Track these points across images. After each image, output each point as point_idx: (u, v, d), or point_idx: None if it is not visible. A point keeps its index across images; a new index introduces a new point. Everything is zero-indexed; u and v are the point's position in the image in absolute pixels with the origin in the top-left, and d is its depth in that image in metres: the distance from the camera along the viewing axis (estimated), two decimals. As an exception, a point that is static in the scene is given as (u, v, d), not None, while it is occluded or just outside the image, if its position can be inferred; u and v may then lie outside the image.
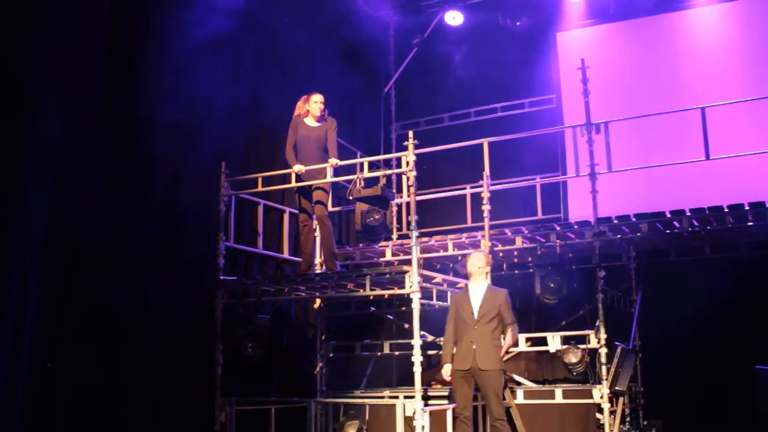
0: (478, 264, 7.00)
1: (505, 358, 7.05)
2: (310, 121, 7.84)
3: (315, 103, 7.80)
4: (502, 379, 6.89)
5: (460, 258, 8.63)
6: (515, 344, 6.89)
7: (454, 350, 6.91)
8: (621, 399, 8.01)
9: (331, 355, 9.05)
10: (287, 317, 9.02)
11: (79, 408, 6.40)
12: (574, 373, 8.00)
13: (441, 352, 8.74)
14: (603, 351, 7.69)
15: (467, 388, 6.79)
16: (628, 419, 8.50)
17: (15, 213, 6.01)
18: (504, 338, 6.84)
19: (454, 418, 6.96)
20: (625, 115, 9.11)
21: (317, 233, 8.29)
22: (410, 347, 6.89)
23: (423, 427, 6.57)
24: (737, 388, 8.17)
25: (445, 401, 7.72)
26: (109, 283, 6.86)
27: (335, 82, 7.94)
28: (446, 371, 6.89)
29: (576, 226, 8.45)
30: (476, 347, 6.70)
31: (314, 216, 7.86)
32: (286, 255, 9.06)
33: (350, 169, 8.68)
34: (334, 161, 7.63)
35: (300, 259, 8.21)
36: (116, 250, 6.96)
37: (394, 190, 10.55)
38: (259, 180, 8.04)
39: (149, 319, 7.21)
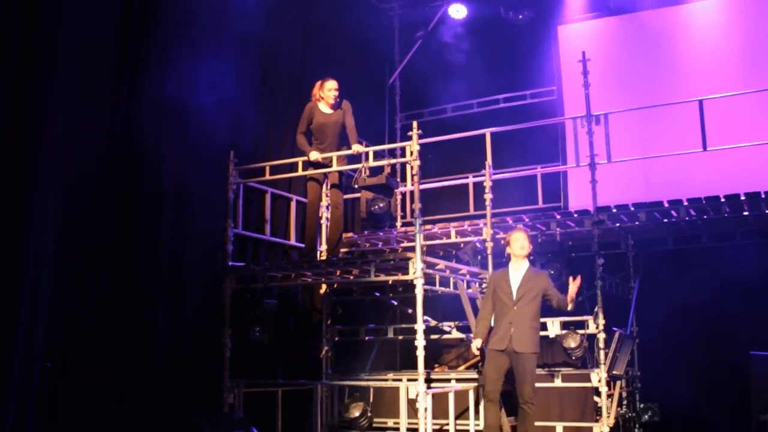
0: (521, 245, 6.88)
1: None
2: (325, 107, 7.80)
3: (329, 91, 7.75)
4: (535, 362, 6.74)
5: (462, 245, 8.71)
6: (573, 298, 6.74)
7: (492, 329, 6.82)
8: (618, 383, 8.11)
9: (336, 339, 9.04)
10: (294, 302, 9.04)
11: (91, 391, 6.47)
12: (573, 358, 8.07)
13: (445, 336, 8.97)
14: (601, 336, 7.76)
15: (499, 370, 6.66)
16: (625, 402, 8.66)
17: (30, 210, 6.07)
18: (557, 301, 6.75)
19: (482, 398, 6.91)
20: (625, 106, 9.21)
21: (323, 220, 8.39)
22: (413, 332, 6.92)
23: (426, 409, 6.55)
24: (732, 373, 8.33)
25: (448, 384, 7.90)
26: (121, 269, 6.93)
27: (341, 73, 7.97)
28: (475, 345, 6.86)
29: (576, 215, 8.52)
30: (513, 329, 6.59)
31: (328, 204, 7.93)
32: (293, 241, 9.09)
33: (356, 158, 8.83)
34: (357, 148, 7.50)
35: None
36: (127, 237, 7.03)
37: (399, 179, 10.66)
38: (267, 168, 8.05)
39: (160, 304, 7.25)
